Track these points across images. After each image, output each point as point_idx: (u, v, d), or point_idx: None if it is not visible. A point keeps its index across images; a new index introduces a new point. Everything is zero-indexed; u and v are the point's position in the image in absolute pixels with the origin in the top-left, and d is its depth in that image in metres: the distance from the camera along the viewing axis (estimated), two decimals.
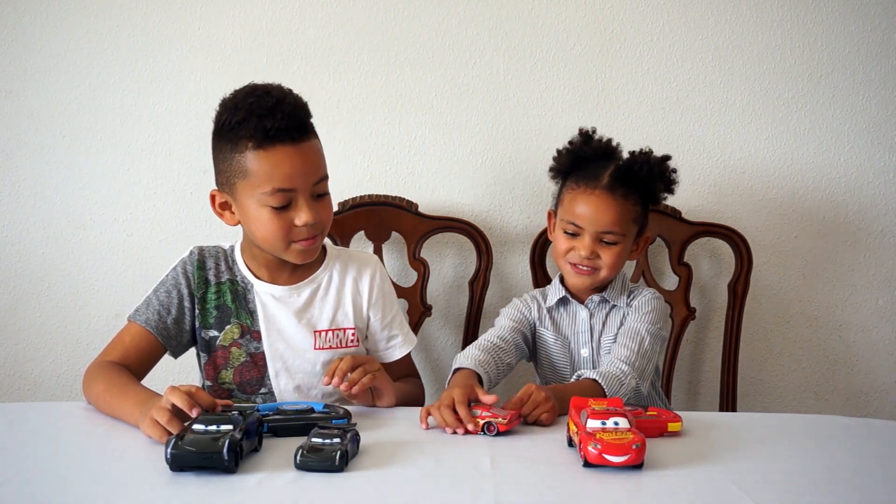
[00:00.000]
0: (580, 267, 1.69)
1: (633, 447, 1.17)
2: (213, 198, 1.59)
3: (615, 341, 1.68)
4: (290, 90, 1.53)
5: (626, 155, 1.73)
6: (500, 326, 1.74)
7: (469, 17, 2.08)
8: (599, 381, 1.53)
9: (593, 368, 1.69)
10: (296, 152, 1.49)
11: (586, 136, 1.75)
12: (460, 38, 2.08)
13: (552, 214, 1.80)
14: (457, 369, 1.58)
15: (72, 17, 2.06)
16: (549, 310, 1.76)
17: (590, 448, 1.17)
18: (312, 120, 1.56)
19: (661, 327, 1.71)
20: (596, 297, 1.74)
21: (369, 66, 2.08)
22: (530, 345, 1.77)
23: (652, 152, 1.71)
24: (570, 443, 1.28)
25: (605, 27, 2.08)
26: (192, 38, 2.07)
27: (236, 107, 1.49)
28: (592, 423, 1.22)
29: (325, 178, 1.56)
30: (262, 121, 1.46)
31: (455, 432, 1.34)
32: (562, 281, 1.77)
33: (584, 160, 1.73)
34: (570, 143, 1.76)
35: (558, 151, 1.78)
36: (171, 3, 2.06)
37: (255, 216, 1.52)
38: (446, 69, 2.08)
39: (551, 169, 1.79)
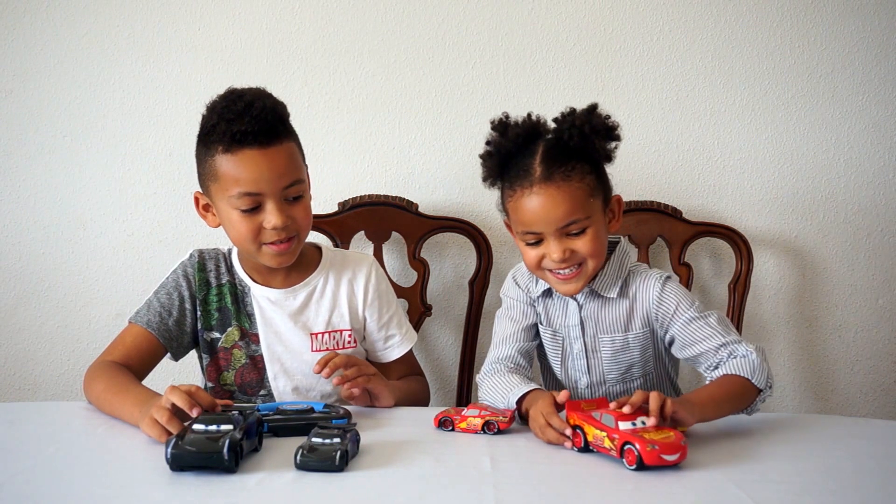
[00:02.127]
0: (563, 273, 1.51)
1: (682, 444, 1.19)
2: (196, 200, 1.60)
3: (627, 346, 1.60)
4: (268, 94, 1.52)
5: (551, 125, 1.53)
6: (505, 339, 1.61)
7: (469, 17, 2.08)
8: (737, 374, 1.41)
9: (587, 366, 1.62)
10: (263, 156, 1.48)
11: (501, 128, 1.53)
12: (460, 38, 2.08)
13: (509, 225, 1.59)
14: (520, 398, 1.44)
15: (72, 17, 2.06)
16: (540, 297, 1.63)
17: (648, 448, 1.17)
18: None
19: (696, 300, 1.58)
20: (585, 289, 1.57)
21: (369, 66, 2.08)
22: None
23: (575, 111, 1.49)
24: (586, 448, 1.25)
25: (605, 27, 2.08)
26: (193, 39, 2.07)
27: (213, 110, 1.51)
28: (625, 426, 1.21)
29: (299, 181, 1.53)
30: (230, 125, 1.46)
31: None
32: None
33: (508, 156, 1.52)
34: (487, 143, 1.55)
35: (481, 157, 1.56)
36: (171, 4, 2.06)
37: (226, 218, 1.53)
38: (446, 69, 2.08)
39: (484, 179, 1.57)
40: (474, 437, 1.34)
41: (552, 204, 1.46)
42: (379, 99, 2.09)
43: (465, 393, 2.03)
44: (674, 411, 1.27)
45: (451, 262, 2.13)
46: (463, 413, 1.39)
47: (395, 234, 2.04)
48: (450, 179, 2.11)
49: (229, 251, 1.67)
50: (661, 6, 2.08)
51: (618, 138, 1.51)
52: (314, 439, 1.19)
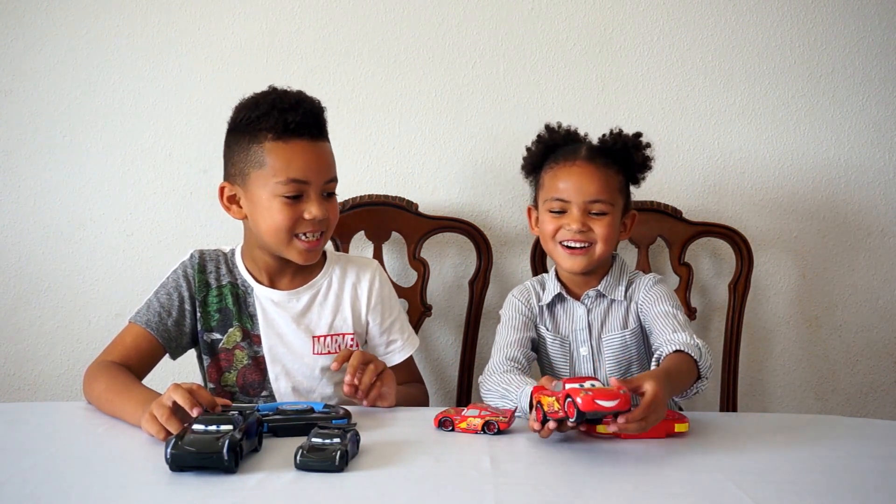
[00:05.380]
0: (573, 246, 1.63)
1: (621, 392, 1.20)
2: (221, 190, 1.61)
3: (626, 344, 1.66)
4: (307, 94, 1.59)
5: (596, 143, 1.71)
6: (509, 343, 1.65)
7: (469, 17, 2.08)
8: (687, 351, 1.43)
9: (594, 369, 1.68)
10: (312, 148, 1.55)
11: (552, 129, 1.74)
12: (460, 38, 2.08)
13: (531, 210, 1.75)
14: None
15: (72, 17, 2.06)
16: (548, 306, 1.71)
17: (580, 397, 1.18)
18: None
19: (679, 306, 1.65)
20: (592, 293, 1.68)
21: (369, 66, 2.08)
22: (536, 343, 1.72)
23: (622, 131, 1.68)
24: (545, 420, 1.27)
25: (605, 27, 2.08)
26: (193, 39, 2.07)
27: (257, 104, 1.56)
28: (571, 385, 1.23)
29: (335, 180, 1.60)
30: (284, 114, 1.53)
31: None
32: (557, 277, 1.72)
33: (555, 146, 1.70)
34: (538, 136, 1.74)
35: (527, 148, 1.75)
36: (170, 4, 2.06)
37: (265, 206, 1.54)
38: (446, 69, 2.08)
39: (524, 167, 1.76)
40: (474, 437, 1.34)
41: (588, 178, 1.63)
42: (379, 99, 2.09)
43: (464, 393, 2.03)
44: (637, 384, 1.27)
45: (451, 262, 2.13)
46: (463, 413, 1.39)
47: (395, 234, 2.04)
48: (450, 179, 2.11)
49: (231, 252, 1.67)
50: (661, 6, 2.08)
51: (649, 167, 1.70)
52: (314, 439, 1.19)
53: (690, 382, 1.43)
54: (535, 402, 1.30)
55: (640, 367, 1.68)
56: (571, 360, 1.70)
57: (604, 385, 1.25)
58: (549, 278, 1.74)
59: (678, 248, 2.02)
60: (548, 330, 1.71)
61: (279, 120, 1.52)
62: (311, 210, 1.53)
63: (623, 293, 1.68)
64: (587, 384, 1.24)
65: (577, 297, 1.70)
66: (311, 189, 1.54)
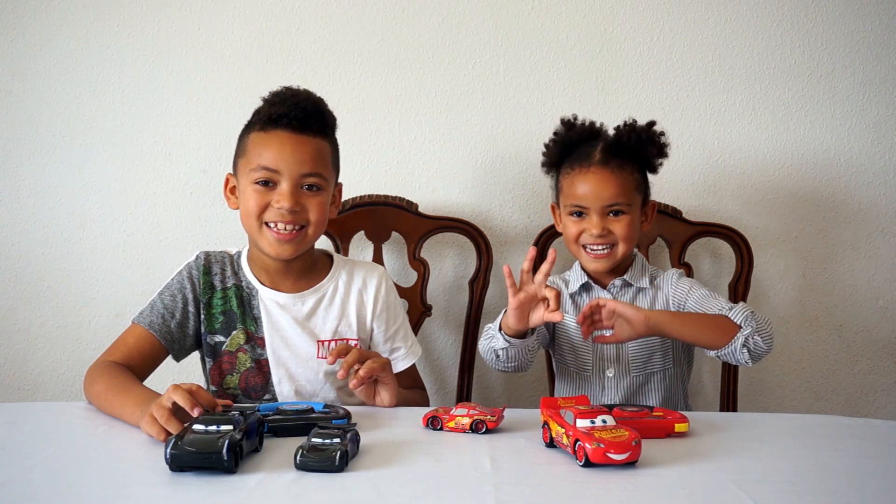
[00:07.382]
0: (596, 249, 1.68)
1: (633, 444, 1.18)
2: (226, 181, 1.66)
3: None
4: (315, 95, 1.63)
5: (611, 132, 1.74)
6: None
7: (469, 17, 2.08)
8: (721, 312, 1.55)
9: (617, 355, 1.71)
10: (290, 139, 1.57)
11: (569, 124, 1.77)
12: (460, 38, 2.08)
13: (555, 207, 1.80)
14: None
15: (72, 17, 2.06)
16: (572, 296, 1.76)
17: (593, 446, 1.17)
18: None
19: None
20: (618, 281, 1.73)
21: (369, 66, 2.08)
22: (551, 331, 1.76)
23: (636, 122, 1.72)
24: (552, 444, 1.27)
25: (605, 27, 2.09)
26: (193, 39, 2.07)
27: (262, 101, 1.62)
28: (582, 423, 1.22)
29: (320, 175, 1.58)
30: (271, 107, 1.58)
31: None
32: (582, 268, 1.77)
33: (571, 145, 1.74)
34: (555, 133, 1.78)
35: (546, 145, 1.79)
36: (171, 4, 2.06)
37: (242, 192, 1.59)
38: (446, 69, 2.08)
39: (543, 164, 1.80)
40: (474, 437, 1.34)
41: (604, 184, 1.67)
42: (379, 99, 2.09)
43: (464, 393, 2.03)
44: (615, 308, 1.46)
45: (451, 262, 2.13)
46: (451, 412, 1.38)
47: (395, 234, 2.04)
48: (450, 179, 2.11)
49: (238, 254, 1.68)
50: (661, 6, 2.08)
51: (665, 155, 1.73)
52: (314, 439, 1.18)
53: (720, 331, 1.53)
54: (542, 420, 1.30)
55: (663, 355, 1.73)
56: (596, 348, 1.73)
57: (614, 421, 1.23)
58: (574, 270, 1.79)
59: (678, 248, 2.02)
60: (572, 318, 1.73)
61: (265, 112, 1.59)
62: (279, 199, 1.55)
63: (648, 283, 1.73)
64: (598, 421, 1.22)
65: (602, 286, 1.76)
66: (282, 179, 1.55)
